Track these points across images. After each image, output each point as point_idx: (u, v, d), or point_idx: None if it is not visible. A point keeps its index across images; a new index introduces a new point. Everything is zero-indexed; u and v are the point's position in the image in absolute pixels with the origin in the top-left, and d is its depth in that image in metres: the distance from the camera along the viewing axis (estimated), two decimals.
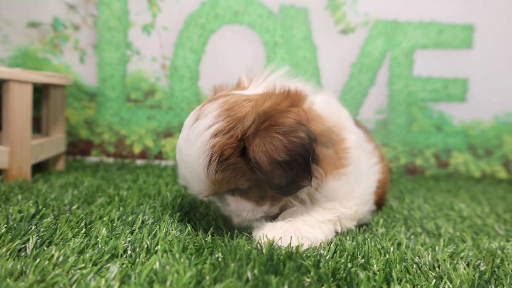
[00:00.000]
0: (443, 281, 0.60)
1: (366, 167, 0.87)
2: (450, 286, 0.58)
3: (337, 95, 1.70)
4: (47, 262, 0.57)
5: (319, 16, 1.67)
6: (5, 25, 1.52)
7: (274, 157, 0.66)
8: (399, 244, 0.77)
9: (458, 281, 0.60)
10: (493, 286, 0.59)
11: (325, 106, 0.78)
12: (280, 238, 0.69)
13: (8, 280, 0.52)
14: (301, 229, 0.72)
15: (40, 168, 1.36)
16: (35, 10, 1.53)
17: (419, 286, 0.58)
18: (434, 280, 0.60)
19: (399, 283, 0.58)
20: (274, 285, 0.52)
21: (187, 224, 0.77)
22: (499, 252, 0.73)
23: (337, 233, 0.80)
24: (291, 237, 0.70)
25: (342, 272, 0.58)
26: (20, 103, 1.15)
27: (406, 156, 1.74)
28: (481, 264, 0.68)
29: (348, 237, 0.78)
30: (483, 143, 1.76)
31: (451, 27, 1.71)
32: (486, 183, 1.65)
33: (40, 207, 0.85)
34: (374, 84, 1.71)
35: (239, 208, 0.78)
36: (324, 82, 1.69)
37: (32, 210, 0.81)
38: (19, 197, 0.93)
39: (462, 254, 0.72)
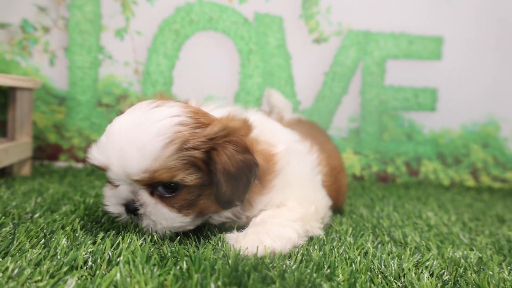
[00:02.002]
0: None
1: (300, 168, 0.91)
2: None
3: (310, 103, 1.72)
4: (0, 274, 0.55)
5: (293, 24, 1.69)
6: None
7: (228, 168, 0.73)
8: (366, 253, 0.77)
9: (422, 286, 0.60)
10: None
11: (260, 132, 0.84)
12: (257, 246, 0.69)
13: None
14: (273, 230, 0.74)
15: (4, 174, 1.31)
16: (3, 11, 1.49)
17: None
18: None
19: None
20: None
21: (154, 233, 0.76)
22: (462, 261, 0.75)
23: (311, 238, 0.82)
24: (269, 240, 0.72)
25: (306, 283, 0.58)
26: None
27: (377, 164, 1.77)
28: (445, 273, 0.69)
29: (316, 246, 0.78)
30: (452, 152, 1.81)
31: (421, 38, 1.75)
32: (454, 191, 1.70)
33: None
34: (346, 93, 1.73)
35: (157, 213, 0.75)
36: (298, 90, 1.71)
37: None
38: None
39: (427, 264, 0.73)
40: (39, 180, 1.25)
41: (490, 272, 0.71)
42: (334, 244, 0.81)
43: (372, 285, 0.62)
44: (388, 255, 0.78)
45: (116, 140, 0.72)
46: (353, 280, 0.61)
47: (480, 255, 0.80)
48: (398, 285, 0.63)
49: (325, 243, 0.81)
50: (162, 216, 0.75)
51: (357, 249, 0.79)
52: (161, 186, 0.74)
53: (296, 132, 1.00)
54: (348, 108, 1.74)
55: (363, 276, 0.63)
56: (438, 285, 0.63)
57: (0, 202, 0.94)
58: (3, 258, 0.61)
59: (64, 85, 1.56)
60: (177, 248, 0.69)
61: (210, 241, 0.76)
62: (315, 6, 1.69)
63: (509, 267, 0.76)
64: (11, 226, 0.76)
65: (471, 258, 0.77)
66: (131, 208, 0.75)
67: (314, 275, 0.60)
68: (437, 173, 1.81)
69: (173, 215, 0.75)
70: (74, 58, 1.56)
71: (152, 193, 0.75)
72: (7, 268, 0.56)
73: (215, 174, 0.73)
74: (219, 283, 0.55)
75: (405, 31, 1.75)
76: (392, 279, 0.65)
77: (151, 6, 1.59)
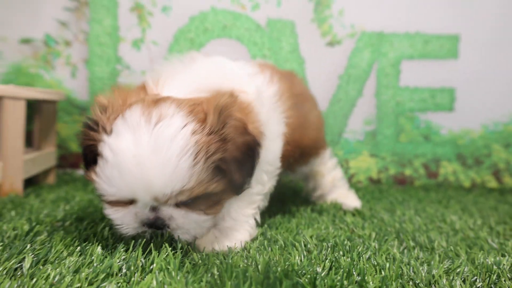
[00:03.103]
0: None
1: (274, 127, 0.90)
2: None
3: (325, 106, 1.72)
4: (43, 281, 0.57)
5: (306, 29, 1.70)
6: None
7: (237, 156, 0.73)
8: (394, 259, 0.77)
9: None
10: None
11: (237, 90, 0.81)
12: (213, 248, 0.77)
13: None
14: (233, 235, 0.82)
15: (31, 182, 1.35)
16: (28, 27, 1.54)
17: None
18: None
19: None
20: None
21: (183, 241, 0.77)
22: (495, 267, 0.74)
23: (336, 243, 0.85)
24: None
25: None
26: (13, 119, 1.15)
27: (395, 167, 1.77)
28: (477, 280, 0.69)
29: (341, 252, 0.78)
30: (473, 153, 1.79)
31: (437, 37, 1.74)
32: (476, 193, 1.67)
33: (34, 224, 0.85)
34: (362, 95, 1.73)
35: (188, 222, 0.73)
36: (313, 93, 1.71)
37: (26, 227, 0.81)
38: (12, 213, 0.93)
39: (458, 270, 0.73)
40: (64, 188, 1.28)
41: None
42: (360, 249, 0.81)
43: None
44: (416, 260, 0.78)
45: (136, 170, 0.67)
46: (384, 287, 0.61)
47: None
48: None
49: (350, 249, 0.82)
50: (193, 223, 0.73)
51: (384, 255, 0.79)
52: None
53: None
54: (363, 110, 1.74)
55: (394, 283, 0.63)
56: None
57: (33, 210, 0.98)
58: (43, 265, 0.64)
59: (85, 95, 1.60)
60: (206, 255, 0.70)
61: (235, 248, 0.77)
62: (327, 10, 1.70)
63: None
64: (46, 234, 0.78)
65: (504, 264, 0.76)
66: (159, 225, 0.72)
67: (345, 282, 0.61)
68: (457, 174, 1.79)
69: (203, 218, 0.74)
70: (94, 69, 1.59)
71: (177, 206, 0.72)
72: (48, 275, 0.58)
73: (228, 165, 0.73)
74: None
75: (420, 30, 1.74)
76: (423, 286, 0.65)
77: (166, 17, 1.62)
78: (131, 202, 0.71)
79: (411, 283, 0.65)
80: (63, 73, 1.58)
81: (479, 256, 0.80)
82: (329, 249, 0.81)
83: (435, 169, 1.79)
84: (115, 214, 0.73)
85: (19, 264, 0.63)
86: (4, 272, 0.60)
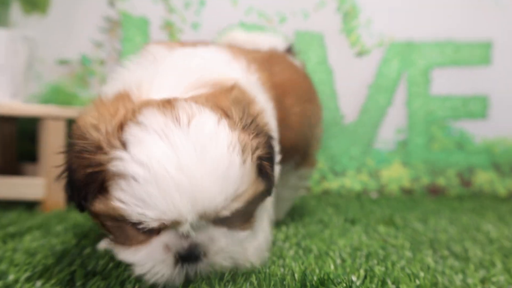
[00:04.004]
0: None
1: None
2: None
3: (355, 116, 1.72)
4: None
5: (334, 39, 1.71)
6: (38, 64, 1.61)
7: (264, 155, 0.62)
8: (428, 268, 0.77)
9: None
10: None
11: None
12: None
13: None
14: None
15: None
16: (64, 48, 1.63)
17: None
18: None
19: None
20: None
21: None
22: None
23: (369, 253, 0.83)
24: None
25: None
26: (55, 138, 1.21)
27: (427, 176, 1.74)
28: None
29: (375, 261, 0.78)
30: (509, 161, 1.74)
31: (467, 44, 1.72)
32: None
33: (80, 238, 0.89)
34: (392, 104, 1.73)
35: (232, 240, 0.60)
36: (341, 104, 1.72)
37: (73, 241, 0.85)
38: (59, 227, 0.98)
39: (493, 279, 0.72)
40: None
41: None
42: (394, 259, 0.81)
43: None
44: (451, 269, 0.77)
45: (181, 180, 0.53)
46: None
47: None
48: None
49: (384, 258, 0.81)
50: (237, 242, 0.61)
51: (418, 264, 0.79)
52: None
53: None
54: (394, 120, 1.73)
55: None
56: None
57: (77, 225, 1.03)
58: (92, 277, 0.67)
59: None
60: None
61: (272, 256, 0.78)
62: (355, 20, 1.71)
63: None
64: (91, 247, 0.82)
65: None
66: (197, 253, 0.58)
67: (376, 285, 0.61)
68: (492, 183, 1.75)
69: (242, 234, 0.62)
70: None
71: (216, 223, 0.59)
72: (98, 286, 0.62)
73: (265, 169, 0.62)
74: None
75: (450, 37, 1.72)
76: None
77: (196, 33, 1.67)
78: (158, 231, 0.57)
79: None
80: (98, 91, 1.65)
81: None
82: (363, 258, 0.81)
83: (469, 178, 1.75)
84: (136, 256, 0.58)
85: (70, 276, 0.67)
86: (58, 284, 0.64)
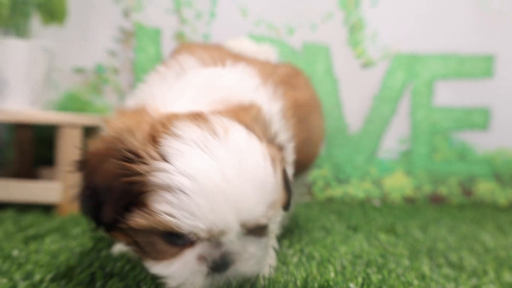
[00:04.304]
0: None
1: None
2: None
3: (359, 126, 1.77)
4: None
5: (340, 51, 1.76)
6: (55, 72, 1.68)
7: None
8: (423, 277, 0.82)
9: None
10: None
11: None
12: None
13: None
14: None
15: None
16: (80, 58, 1.69)
17: None
18: None
19: None
20: None
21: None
22: None
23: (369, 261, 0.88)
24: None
25: None
26: (71, 144, 1.27)
27: (429, 185, 1.78)
28: None
29: (374, 268, 0.83)
30: (509, 171, 1.78)
31: (471, 57, 1.76)
32: None
33: (96, 241, 0.95)
34: (396, 115, 1.77)
35: (260, 246, 0.63)
36: (346, 114, 1.77)
37: (90, 244, 0.91)
38: (75, 231, 1.04)
39: (483, 287, 0.76)
40: None
41: None
42: (391, 267, 0.86)
43: None
44: (445, 278, 0.82)
45: (228, 192, 0.54)
46: None
47: None
48: None
49: (383, 266, 0.86)
50: (263, 248, 0.63)
51: (414, 272, 0.83)
52: None
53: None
54: (397, 130, 1.77)
55: None
56: None
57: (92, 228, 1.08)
58: (110, 277, 0.72)
59: None
60: None
61: (277, 263, 0.83)
62: (361, 32, 1.76)
63: None
64: (107, 250, 0.88)
65: None
66: (228, 262, 0.59)
67: None
68: (493, 193, 1.78)
69: (263, 244, 0.63)
70: None
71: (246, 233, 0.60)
72: (117, 287, 0.67)
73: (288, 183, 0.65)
74: None
75: (453, 50, 1.77)
76: None
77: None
78: (191, 243, 0.58)
79: None
80: (112, 99, 1.72)
81: (507, 274, 0.83)
82: (362, 265, 0.86)
83: (471, 188, 1.78)
84: (170, 269, 0.59)
85: (90, 277, 0.72)
86: (80, 284, 0.70)
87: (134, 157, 0.56)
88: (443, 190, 1.78)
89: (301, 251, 0.98)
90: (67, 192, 1.27)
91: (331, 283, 0.72)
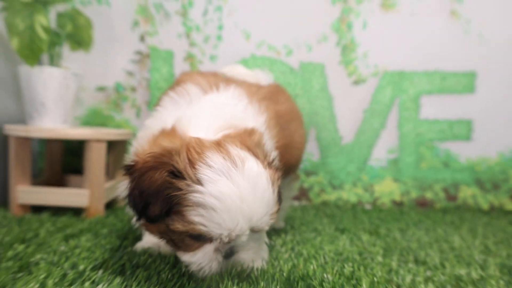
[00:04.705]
0: None
1: None
2: None
3: (351, 138, 1.95)
4: (142, 278, 0.86)
5: (334, 70, 1.95)
6: (81, 91, 1.89)
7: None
8: (390, 270, 1.00)
9: None
10: None
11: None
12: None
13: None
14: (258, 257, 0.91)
15: (108, 206, 1.67)
16: (102, 77, 1.90)
17: None
18: None
19: None
20: None
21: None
22: (465, 277, 0.96)
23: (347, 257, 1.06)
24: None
25: (337, 287, 0.83)
26: (97, 157, 1.47)
27: (416, 191, 1.96)
28: (448, 286, 0.91)
29: (350, 263, 1.02)
30: (490, 178, 1.95)
31: (454, 74, 1.94)
32: (493, 215, 1.82)
33: (122, 239, 1.15)
34: (385, 127, 1.95)
35: (257, 241, 0.86)
36: (340, 127, 1.95)
37: (118, 242, 1.10)
38: (104, 231, 1.24)
39: (435, 278, 0.95)
40: None
41: (489, 287, 0.91)
42: (366, 262, 1.05)
43: None
44: (407, 271, 1.00)
45: (244, 209, 0.75)
46: (372, 287, 0.85)
47: (483, 273, 0.99)
48: None
49: (358, 262, 1.05)
50: (259, 242, 0.88)
51: (382, 267, 1.02)
52: None
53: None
54: (386, 141, 1.95)
55: (381, 286, 0.87)
56: None
57: (117, 229, 1.28)
58: (136, 268, 0.92)
59: None
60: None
61: (270, 259, 1.03)
62: (353, 53, 1.95)
63: (509, 286, 0.95)
64: (131, 247, 1.08)
65: (472, 275, 0.97)
66: (234, 251, 0.82)
67: (345, 284, 0.85)
68: (475, 198, 1.95)
69: (263, 235, 0.90)
70: None
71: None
72: (143, 275, 0.87)
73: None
74: (278, 287, 0.82)
75: (437, 68, 1.94)
76: None
77: (213, 64, 1.93)
78: (210, 240, 0.79)
79: (395, 286, 0.88)
80: (130, 114, 1.92)
81: (458, 269, 1.01)
82: (341, 261, 1.05)
83: (455, 193, 1.96)
84: (194, 257, 0.81)
85: (121, 268, 0.92)
86: (113, 272, 0.90)
87: (179, 175, 0.76)
88: (428, 195, 1.96)
89: (292, 249, 1.16)
90: (94, 197, 1.48)
91: (310, 273, 0.91)
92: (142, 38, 1.90)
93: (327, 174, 1.96)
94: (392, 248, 1.22)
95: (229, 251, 0.81)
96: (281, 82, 1.94)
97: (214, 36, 1.92)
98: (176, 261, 0.95)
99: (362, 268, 0.98)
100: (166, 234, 0.81)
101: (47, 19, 1.37)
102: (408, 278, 0.94)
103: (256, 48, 1.93)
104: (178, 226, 0.76)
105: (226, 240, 0.77)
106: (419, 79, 1.94)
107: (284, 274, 0.90)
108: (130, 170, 0.82)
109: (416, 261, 1.10)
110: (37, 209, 1.51)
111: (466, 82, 1.94)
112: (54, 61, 1.53)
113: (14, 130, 1.45)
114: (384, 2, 1.91)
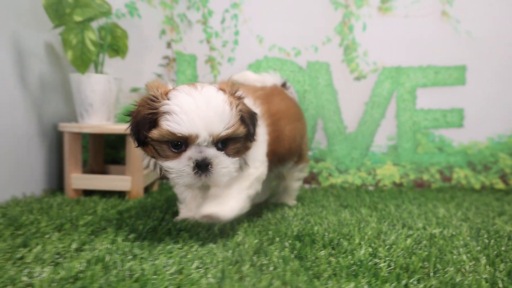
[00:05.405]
0: (395, 246, 1.09)
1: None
2: (398, 249, 1.07)
3: (355, 127, 2.19)
4: (185, 236, 1.13)
5: (337, 67, 2.19)
6: (118, 92, 2.17)
7: (249, 117, 1.07)
8: (379, 231, 1.26)
9: (402, 246, 1.09)
10: (422, 252, 1.07)
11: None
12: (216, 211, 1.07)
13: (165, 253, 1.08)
14: (226, 203, 1.09)
15: (145, 190, 1.96)
16: (135, 80, 2.18)
17: (379, 249, 1.08)
18: (388, 246, 1.09)
19: (366, 247, 1.07)
20: (298, 247, 1.04)
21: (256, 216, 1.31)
22: (438, 235, 1.21)
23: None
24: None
25: (335, 240, 1.09)
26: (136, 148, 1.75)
27: (414, 173, 2.20)
28: (424, 242, 1.15)
29: (347, 228, 1.27)
30: (481, 160, 2.17)
31: (446, 68, 2.16)
32: (484, 193, 2.05)
33: (163, 214, 1.43)
34: (384, 117, 2.19)
35: (223, 162, 1.00)
36: (344, 118, 2.20)
37: (160, 216, 1.38)
38: (147, 208, 1.52)
39: (415, 235, 1.20)
40: (165, 194, 1.87)
41: (456, 242, 1.16)
42: (360, 226, 1.30)
43: (373, 244, 1.11)
44: (394, 232, 1.25)
45: (201, 113, 0.94)
46: (362, 241, 1.11)
47: (454, 232, 1.24)
48: (391, 245, 1.11)
49: (354, 226, 1.30)
50: (226, 163, 1.01)
51: (373, 229, 1.27)
52: (219, 143, 1.00)
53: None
54: (386, 129, 2.19)
55: (370, 241, 1.12)
56: (414, 245, 1.11)
57: (156, 207, 1.56)
58: (177, 234, 1.20)
59: None
60: (264, 223, 1.23)
61: (280, 220, 1.29)
62: (354, 52, 2.18)
63: (471, 241, 1.19)
64: (169, 220, 1.36)
65: (445, 233, 1.22)
66: (206, 162, 0.98)
67: (340, 238, 1.11)
68: (468, 178, 2.18)
69: (231, 160, 1.03)
70: None
71: (217, 147, 1.01)
72: (184, 245, 1.14)
73: (245, 119, 1.05)
74: (289, 241, 1.09)
75: (431, 63, 2.16)
76: (389, 244, 1.12)
77: (231, 65, 2.19)
78: (185, 149, 0.98)
79: (381, 242, 1.14)
80: None
81: (434, 228, 1.26)
82: (340, 226, 1.31)
83: (449, 175, 2.19)
84: (172, 163, 0.99)
85: (168, 231, 1.20)
86: (164, 233, 1.17)
87: (155, 99, 1.00)
88: (425, 177, 2.19)
89: (302, 219, 1.43)
90: (135, 182, 1.76)
91: (314, 231, 1.17)
92: (168, 45, 2.18)
93: (334, 160, 2.21)
94: (385, 218, 1.47)
95: (200, 161, 0.98)
96: (291, 80, 2.19)
97: (231, 41, 2.18)
98: (210, 227, 1.23)
99: (356, 229, 1.24)
100: (154, 150, 1.02)
101: (95, 34, 1.65)
102: (393, 237, 1.19)
103: (268, 50, 2.18)
104: (155, 133, 0.98)
105: (193, 143, 0.96)
106: (415, 74, 2.17)
107: (294, 233, 1.17)
108: (131, 113, 1.09)
109: (403, 226, 1.35)
110: (87, 193, 1.81)
111: (457, 75, 2.16)
112: (97, 68, 1.82)
113: (68, 127, 1.74)
114: (381, 6, 2.15)
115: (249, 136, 1.08)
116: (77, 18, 1.57)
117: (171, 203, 1.61)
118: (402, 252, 1.04)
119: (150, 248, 1.04)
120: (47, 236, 1.12)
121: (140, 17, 2.15)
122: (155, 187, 2.00)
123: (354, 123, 2.20)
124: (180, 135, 0.95)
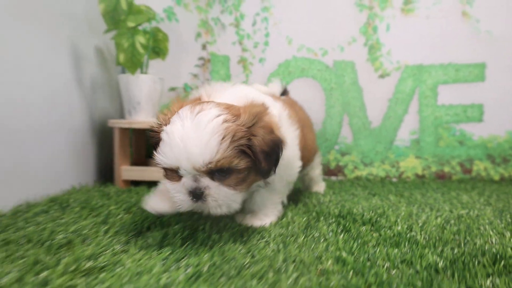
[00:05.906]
0: (427, 224, 1.22)
1: (289, 133, 1.13)
2: (430, 226, 1.20)
3: (379, 123, 2.32)
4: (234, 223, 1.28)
5: (362, 66, 2.32)
6: None
7: (264, 148, 0.93)
8: (410, 212, 1.39)
9: (433, 223, 1.22)
10: (452, 228, 1.21)
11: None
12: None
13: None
14: (263, 219, 1.19)
15: None
16: (173, 80, 2.34)
17: (413, 226, 1.21)
18: (421, 223, 1.23)
19: (402, 224, 1.21)
20: (343, 224, 1.19)
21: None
22: (465, 215, 1.34)
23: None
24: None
25: (373, 219, 1.23)
26: None
27: (435, 165, 2.32)
28: (452, 220, 1.29)
29: (381, 209, 1.41)
30: (500, 153, 2.28)
31: (466, 66, 2.28)
32: (503, 184, 2.16)
33: None
34: (407, 113, 2.31)
35: (219, 192, 0.92)
36: (369, 114, 2.33)
37: None
38: None
39: (444, 215, 1.33)
40: None
41: (482, 221, 1.29)
42: (392, 208, 1.44)
43: (407, 221, 1.25)
44: (423, 212, 1.38)
45: (182, 145, 0.87)
46: (398, 219, 1.24)
47: (479, 213, 1.37)
48: (423, 223, 1.25)
49: (387, 208, 1.44)
50: (223, 194, 0.92)
51: (404, 211, 1.41)
52: (217, 172, 0.90)
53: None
54: (409, 124, 2.32)
55: (404, 219, 1.26)
56: (444, 223, 1.24)
57: None
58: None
59: None
60: (306, 207, 1.38)
61: (318, 204, 1.44)
62: (378, 51, 2.31)
63: (495, 220, 1.32)
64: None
65: (471, 214, 1.35)
66: (198, 193, 0.91)
67: (378, 218, 1.25)
68: (487, 170, 2.30)
69: (232, 192, 0.93)
70: None
71: (212, 179, 0.91)
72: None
73: (256, 154, 0.92)
74: (333, 219, 1.23)
75: (452, 61, 2.28)
76: (421, 222, 1.26)
77: (262, 65, 2.34)
78: (182, 177, 0.92)
79: (414, 221, 1.27)
80: None
81: (459, 210, 1.39)
82: (374, 209, 1.45)
83: (469, 167, 2.30)
84: (172, 186, 0.94)
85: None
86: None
87: (158, 126, 0.98)
88: (446, 169, 2.31)
89: (337, 203, 1.57)
90: None
91: (354, 211, 1.31)
92: (204, 47, 2.33)
93: (359, 154, 2.34)
94: (413, 203, 1.60)
95: (193, 190, 0.91)
96: (319, 79, 2.33)
97: (262, 42, 2.32)
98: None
99: (390, 210, 1.38)
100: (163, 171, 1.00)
101: (145, 38, 1.81)
102: (424, 217, 1.32)
103: (297, 51, 2.32)
104: (156, 158, 0.94)
105: (183, 173, 0.90)
106: (436, 71, 2.29)
107: (336, 213, 1.31)
108: (150, 134, 1.07)
109: (431, 209, 1.48)
110: (134, 184, 1.97)
111: (477, 72, 2.28)
112: (143, 69, 1.98)
113: (118, 123, 1.90)
114: (404, 7, 2.27)
115: (263, 173, 0.96)
116: (130, 24, 1.73)
117: None
118: (434, 228, 1.17)
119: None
120: (119, 216, 1.27)
121: (178, 21, 2.31)
122: None
123: (378, 118, 2.33)
124: (165, 166, 0.93)
